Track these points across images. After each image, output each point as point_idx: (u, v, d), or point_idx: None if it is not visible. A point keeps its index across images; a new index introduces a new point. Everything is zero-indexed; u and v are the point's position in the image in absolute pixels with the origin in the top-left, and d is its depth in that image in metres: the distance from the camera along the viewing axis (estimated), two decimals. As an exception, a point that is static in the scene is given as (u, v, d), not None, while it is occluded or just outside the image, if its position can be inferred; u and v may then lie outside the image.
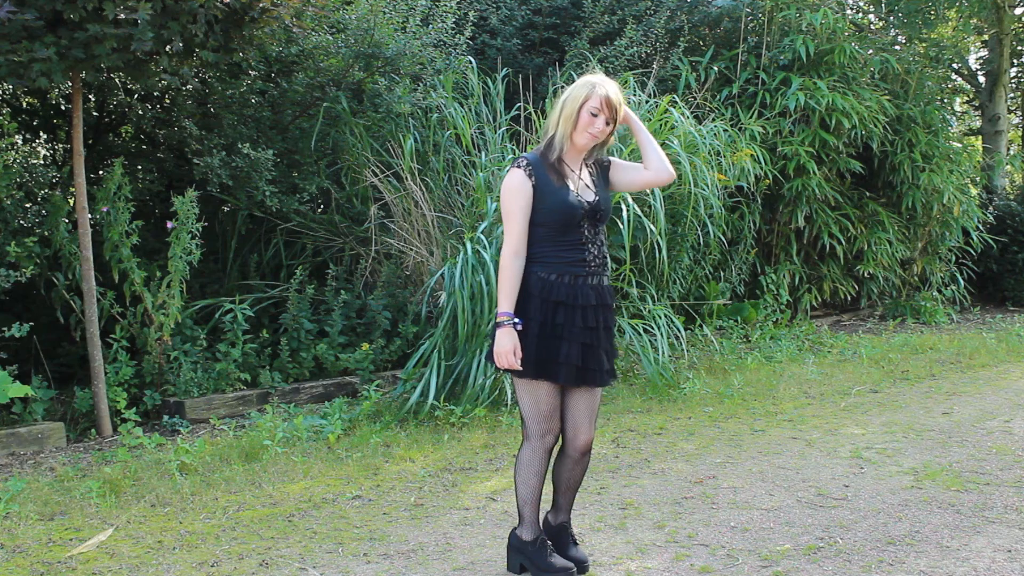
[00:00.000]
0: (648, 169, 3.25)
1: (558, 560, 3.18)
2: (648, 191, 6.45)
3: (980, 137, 13.21)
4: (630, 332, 6.30)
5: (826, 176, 9.10)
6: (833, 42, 9.14)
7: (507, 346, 3.01)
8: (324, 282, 6.59)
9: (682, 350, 6.75)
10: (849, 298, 9.88)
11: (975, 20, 12.59)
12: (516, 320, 3.04)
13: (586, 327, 3.06)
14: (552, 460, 3.24)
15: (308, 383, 6.11)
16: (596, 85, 3.07)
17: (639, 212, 6.35)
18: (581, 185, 3.12)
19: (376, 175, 6.67)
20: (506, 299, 3.04)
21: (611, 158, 3.29)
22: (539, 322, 3.04)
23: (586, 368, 3.07)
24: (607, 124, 3.08)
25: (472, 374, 5.53)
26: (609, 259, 3.20)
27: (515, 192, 3.05)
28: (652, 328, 6.42)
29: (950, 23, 12.76)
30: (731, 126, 8.02)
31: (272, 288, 6.66)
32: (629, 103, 6.84)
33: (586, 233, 3.09)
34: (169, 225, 5.64)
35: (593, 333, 3.08)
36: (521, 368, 3.04)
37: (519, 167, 3.07)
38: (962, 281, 10.67)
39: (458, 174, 6.92)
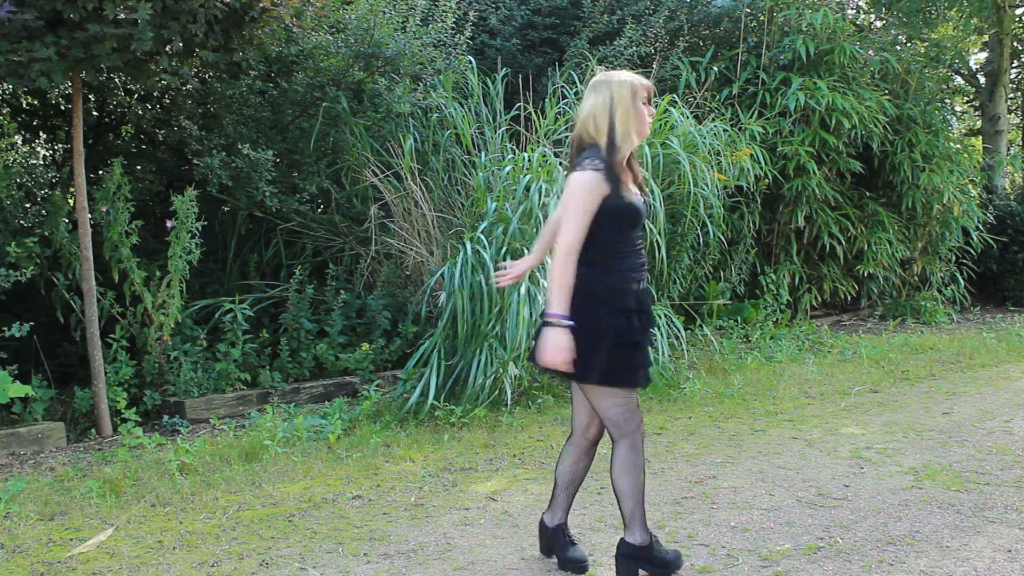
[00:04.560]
0: None
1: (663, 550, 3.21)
2: (647, 189, 6.45)
3: (980, 137, 13.21)
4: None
5: (826, 176, 9.10)
6: (833, 42, 9.14)
7: (564, 343, 2.95)
8: (324, 282, 6.59)
9: (682, 350, 6.75)
10: (849, 298, 9.87)
11: (975, 20, 12.59)
12: (570, 322, 2.97)
13: (644, 329, 3.11)
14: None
15: (308, 383, 6.11)
16: (630, 79, 3.06)
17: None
18: (635, 188, 3.16)
19: (376, 175, 6.67)
20: (559, 299, 2.96)
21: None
22: (614, 330, 3.01)
23: (646, 367, 3.15)
24: None
25: (472, 374, 5.53)
26: None
27: (586, 192, 2.97)
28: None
29: (950, 23, 12.76)
30: (731, 126, 8.02)
31: (272, 288, 6.66)
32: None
33: (641, 235, 3.17)
34: (169, 225, 5.64)
35: (647, 335, 3.15)
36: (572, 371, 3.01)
37: (597, 170, 2.98)
38: (962, 281, 10.67)
39: (458, 174, 6.92)
